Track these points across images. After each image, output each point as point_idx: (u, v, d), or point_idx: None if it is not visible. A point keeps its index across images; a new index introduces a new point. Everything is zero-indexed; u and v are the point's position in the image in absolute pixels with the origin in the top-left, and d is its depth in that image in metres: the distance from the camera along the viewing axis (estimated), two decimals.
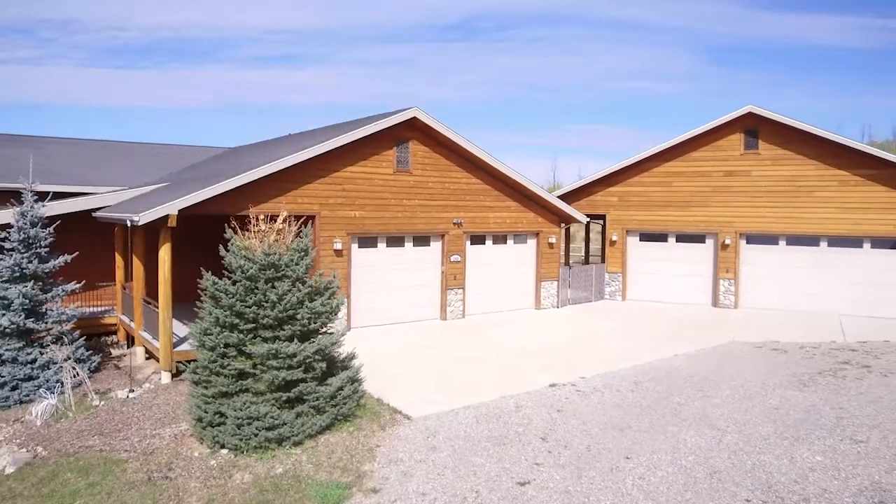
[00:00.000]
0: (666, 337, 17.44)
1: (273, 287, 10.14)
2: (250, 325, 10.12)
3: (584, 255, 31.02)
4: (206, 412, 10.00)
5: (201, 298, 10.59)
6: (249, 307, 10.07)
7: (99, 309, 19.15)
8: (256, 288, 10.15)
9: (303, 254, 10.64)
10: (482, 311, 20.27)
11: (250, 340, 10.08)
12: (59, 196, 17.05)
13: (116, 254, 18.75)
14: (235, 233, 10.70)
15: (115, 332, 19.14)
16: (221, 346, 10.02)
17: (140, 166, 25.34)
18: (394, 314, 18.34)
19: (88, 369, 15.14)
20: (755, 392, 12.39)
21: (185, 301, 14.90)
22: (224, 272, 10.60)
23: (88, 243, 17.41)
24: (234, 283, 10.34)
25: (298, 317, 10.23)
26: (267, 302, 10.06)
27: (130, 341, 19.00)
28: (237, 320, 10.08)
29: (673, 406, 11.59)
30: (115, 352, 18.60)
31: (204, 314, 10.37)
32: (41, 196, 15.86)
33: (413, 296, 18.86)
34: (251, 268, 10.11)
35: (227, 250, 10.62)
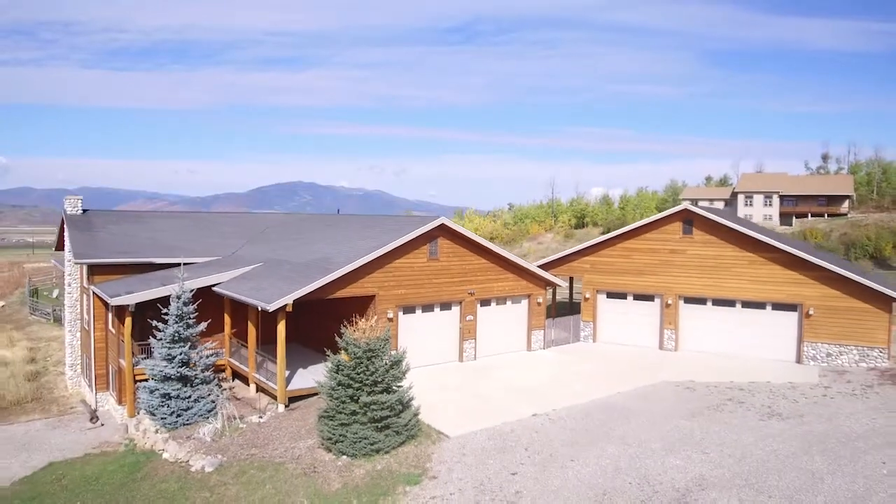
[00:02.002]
0: (616, 377, 24.91)
1: (371, 362, 17.65)
2: (357, 384, 17.64)
3: (568, 300, 38.55)
4: (333, 434, 17.52)
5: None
6: (358, 374, 17.59)
7: (211, 352, 26.54)
8: (361, 363, 17.65)
9: (385, 341, 18.17)
10: (488, 353, 27.77)
11: (358, 393, 17.59)
12: (172, 265, 24.91)
13: (226, 314, 26.31)
14: (346, 328, 18.26)
15: (223, 370, 26.67)
16: (342, 397, 17.55)
17: (222, 235, 32.90)
18: (426, 359, 25.81)
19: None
20: (659, 421, 19.85)
21: (272, 343, 22.76)
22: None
23: (201, 303, 24.60)
24: (347, 358, 17.86)
25: (385, 379, 17.75)
26: (367, 371, 17.57)
27: (234, 377, 26.56)
28: (350, 381, 17.61)
29: (606, 430, 19.07)
30: (224, 385, 26.13)
31: (329, 378, 17.91)
32: (155, 266, 24.18)
33: (440, 345, 26.42)
34: (358, 351, 17.63)
35: (341, 337, 18.16)
